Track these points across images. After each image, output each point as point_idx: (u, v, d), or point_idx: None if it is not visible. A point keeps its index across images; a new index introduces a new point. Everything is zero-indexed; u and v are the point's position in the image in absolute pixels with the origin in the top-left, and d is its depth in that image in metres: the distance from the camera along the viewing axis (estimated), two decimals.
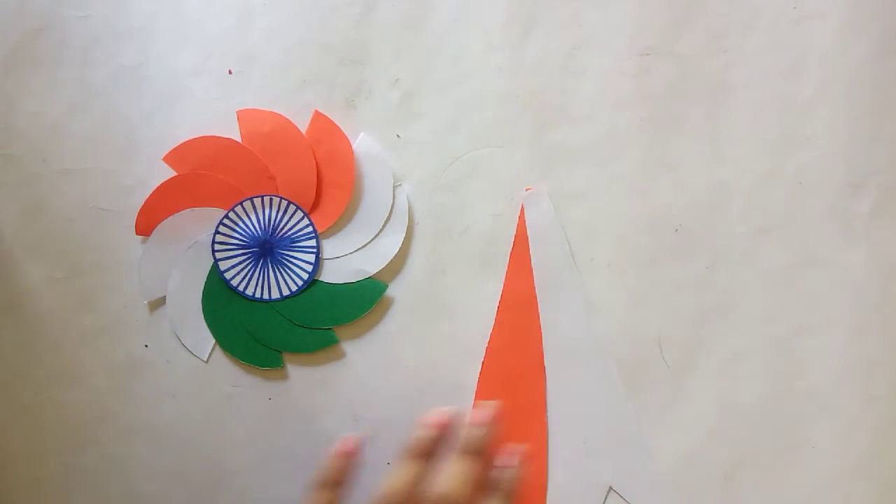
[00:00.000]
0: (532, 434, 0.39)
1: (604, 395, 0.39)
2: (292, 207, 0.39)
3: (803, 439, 0.38)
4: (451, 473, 0.33)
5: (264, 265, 0.39)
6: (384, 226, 0.39)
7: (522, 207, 0.39)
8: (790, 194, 0.39)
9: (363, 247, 0.39)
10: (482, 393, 0.39)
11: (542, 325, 0.39)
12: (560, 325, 0.39)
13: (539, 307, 0.39)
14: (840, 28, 0.39)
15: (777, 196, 0.39)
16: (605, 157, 0.39)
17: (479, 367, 0.39)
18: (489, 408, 0.35)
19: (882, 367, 0.38)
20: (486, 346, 0.39)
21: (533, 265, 0.39)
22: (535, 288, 0.39)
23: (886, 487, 0.38)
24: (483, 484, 0.34)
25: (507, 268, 0.39)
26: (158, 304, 0.40)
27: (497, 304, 0.39)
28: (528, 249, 0.39)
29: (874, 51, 0.39)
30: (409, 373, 0.39)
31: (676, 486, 0.39)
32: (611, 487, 0.39)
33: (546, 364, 0.39)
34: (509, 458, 0.35)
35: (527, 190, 0.39)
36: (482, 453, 0.34)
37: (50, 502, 0.40)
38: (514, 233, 0.39)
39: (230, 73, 0.40)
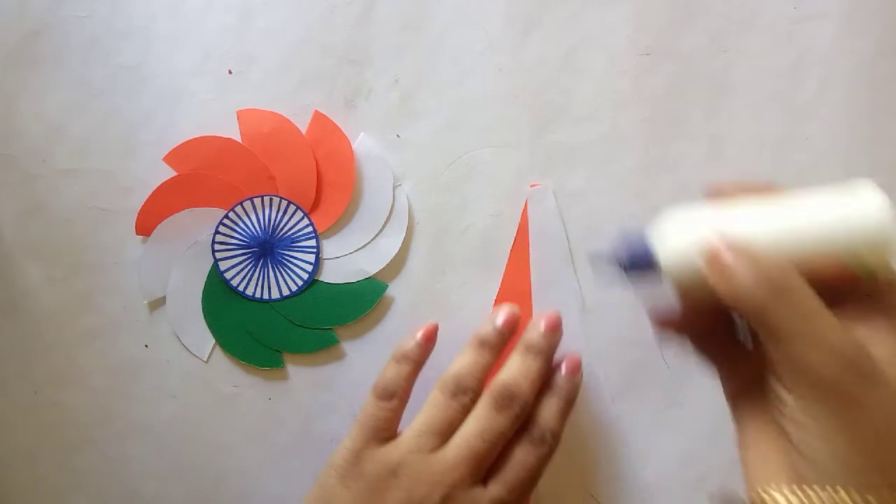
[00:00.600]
0: None
1: (590, 398, 0.39)
2: (292, 207, 0.39)
3: None
4: (516, 366, 0.34)
5: (264, 265, 0.39)
6: (384, 226, 0.39)
7: (526, 203, 0.39)
8: None
9: (363, 247, 0.39)
10: None
11: None
12: None
13: (533, 304, 0.39)
14: (840, 28, 0.39)
15: None
16: (605, 157, 0.39)
17: None
18: (555, 316, 0.36)
19: None
20: None
21: (531, 261, 0.39)
22: (531, 284, 0.39)
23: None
24: (543, 387, 0.35)
25: (506, 262, 0.39)
26: (158, 304, 0.40)
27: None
28: (528, 246, 0.39)
29: (874, 51, 0.39)
30: None
31: (677, 486, 0.38)
32: (591, 495, 0.39)
33: None
34: (571, 367, 0.36)
35: (532, 186, 0.39)
36: (546, 355, 0.35)
37: (49, 502, 0.40)
38: (515, 231, 0.39)
39: (230, 73, 0.40)
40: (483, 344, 0.35)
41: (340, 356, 0.40)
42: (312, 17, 0.40)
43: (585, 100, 0.39)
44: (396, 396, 0.35)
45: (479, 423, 0.33)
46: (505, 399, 0.33)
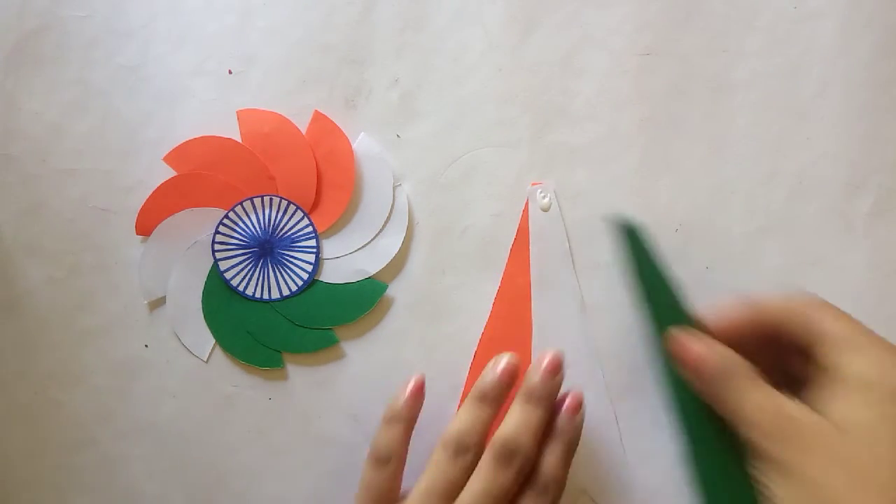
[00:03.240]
0: None
1: (590, 398, 0.39)
2: (292, 207, 0.39)
3: None
4: (516, 419, 0.34)
5: (264, 265, 0.39)
6: (384, 226, 0.39)
7: (527, 202, 0.39)
8: (790, 194, 0.39)
9: (363, 247, 0.39)
10: (471, 382, 0.39)
11: (533, 321, 0.39)
12: (550, 323, 0.39)
13: (532, 304, 0.39)
14: (840, 28, 0.39)
15: (777, 196, 0.39)
16: (605, 157, 0.39)
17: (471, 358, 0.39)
18: (556, 357, 0.35)
19: None
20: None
21: (531, 261, 0.39)
22: (530, 284, 0.39)
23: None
24: (546, 432, 0.34)
25: (506, 261, 0.39)
26: (158, 304, 0.40)
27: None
28: (528, 245, 0.39)
29: (874, 51, 0.39)
30: (409, 373, 0.39)
31: (677, 486, 0.38)
32: (584, 490, 0.39)
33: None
34: (572, 407, 0.35)
35: (532, 185, 0.39)
36: (547, 402, 0.34)
37: (49, 502, 0.40)
38: (515, 232, 0.39)
39: (230, 73, 0.40)
40: (483, 398, 0.35)
41: (340, 356, 0.40)
42: (312, 17, 0.40)
43: (585, 100, 0.39)
44: (393, 460, 0.34)
45: (483, 482, 0.33)
46: (507, 455, 0.33)
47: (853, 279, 0.38)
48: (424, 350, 0.39)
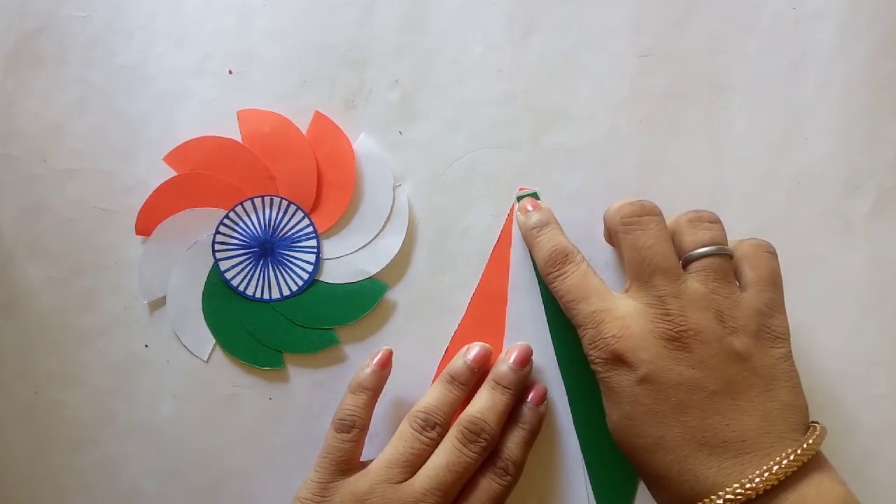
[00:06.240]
0: None
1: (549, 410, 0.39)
2: (292, 207, 0.39)
3: None
4: (484, 401, 0.35)
5: (264, 265, 0.39)
6: (384, 226, 0.39)
7: (513, 206, 0.39)
8: (790, 194, 0.39)
9: (363, 247, 0.40)
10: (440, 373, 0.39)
11: (506, 324, 0.39)
12: (523, 328, 0.39)
13: (507, 306, 0.39)
14: (839, 28, 0.39)
15: (777, 196, 0.39)
16: (605, 157, 0.39)
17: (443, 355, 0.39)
18: (525, 349, 0.37)
19: (882, 367, 0.38)
20: (452, 335, 0.39)
21: (511, 264, 0.39)
22: (507, 287, 0.39)
23: (886, 488, 0.38)
24: (510, 419, 0.36)
25: (487, 261, 0.39)
26: (158, 304, 0.40)
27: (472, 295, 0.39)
28: (510, 248, 0.39)
29: (874, 51, 0.39)
30: (409, 373, 0.39)
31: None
32: (588, 496, 0.39)
33: None
34: (537, 398, 0.37)
35: (520, 190, 0.39)
36: (514, 389, 0.36)
37: (50, 502, 0.40)
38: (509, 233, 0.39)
39: (230, 73, 0.40)
40: (453, 379, 0.36)
41: (341, 356, 0.40)
42: (312, 17, 0.40)
43: (585, 101, 0.39)
44: (355, 427, 0.35)
45: (447, 456, 0.34)
46: (472, 433, 0.34)
47: (853, 279, 0.39)
48: (425, 350, 0.39)
